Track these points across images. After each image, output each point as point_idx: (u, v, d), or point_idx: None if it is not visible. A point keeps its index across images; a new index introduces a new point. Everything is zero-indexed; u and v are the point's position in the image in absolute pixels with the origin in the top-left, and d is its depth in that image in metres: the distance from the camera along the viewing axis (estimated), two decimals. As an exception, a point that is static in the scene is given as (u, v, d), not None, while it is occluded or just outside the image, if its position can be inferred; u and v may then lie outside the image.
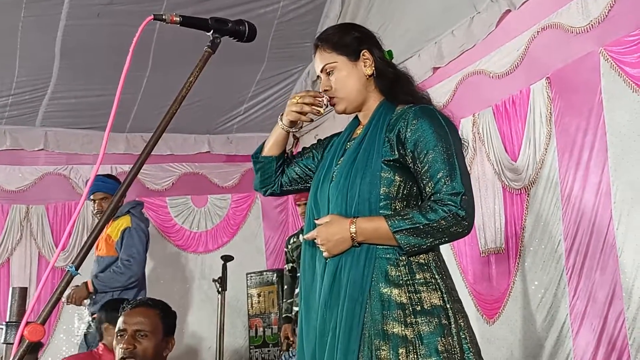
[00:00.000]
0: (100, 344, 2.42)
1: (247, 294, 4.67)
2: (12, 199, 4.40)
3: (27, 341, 0.94)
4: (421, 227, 1.32)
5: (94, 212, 3.47)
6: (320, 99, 1.49)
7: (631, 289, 2.19)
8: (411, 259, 1.36)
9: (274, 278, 4.56)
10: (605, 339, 2.27)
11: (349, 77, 1.49)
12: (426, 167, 1.37)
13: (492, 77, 3.00)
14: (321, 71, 1.52)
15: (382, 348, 1.30)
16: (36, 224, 4.36)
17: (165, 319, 2.05)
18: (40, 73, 4.00)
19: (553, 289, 2.57)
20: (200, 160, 4.94)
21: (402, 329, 1.30)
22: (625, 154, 2.28)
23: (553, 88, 2.65)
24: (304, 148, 1.67)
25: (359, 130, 1.53)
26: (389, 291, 1.33)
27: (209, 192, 4.93)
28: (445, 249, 3.35)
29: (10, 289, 0.97)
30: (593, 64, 2.41)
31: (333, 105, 1.51)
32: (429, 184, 1.36)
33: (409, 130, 1.40)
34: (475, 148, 3.09)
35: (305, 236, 1.45)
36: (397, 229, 1.33)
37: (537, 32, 2.73)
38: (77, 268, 0.99)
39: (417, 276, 1.35)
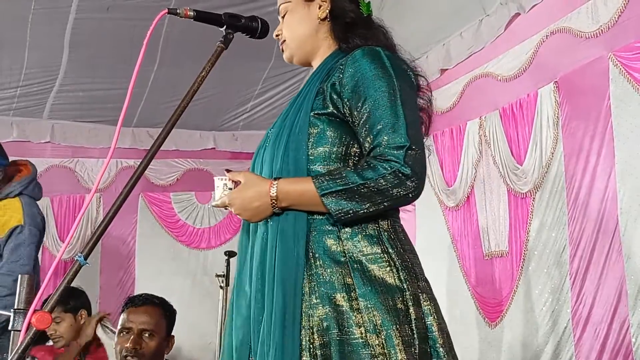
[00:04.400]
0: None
1: (249, 291, 4.67)
2: (17, 191, 4.41)
3: (34, 329, 0.94)
4: (355, 188, 1.07)
5: None
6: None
7: (637, 295, 2.18)
8: (357, 229, 1.12)
9: (276, 276, 4.55)
10: (610, 345, 2.27)
11: (299, 21, 1.28)
12: (364, 117, 1.12)
13: (500, 80, 3.00)
14: (279, 14, 1.33)
15: (326, 342, 1.06)
16: (41, 216, 4.38)
17: (168, 318, 2.04)
18: (48, 65, 4.01)
19: (556, 293, 2.57)
20: (205, 157, 4.94)
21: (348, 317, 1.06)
22: (632, 160, 2.28)
23: (561, 92, 2.64)
24: None
25: None
26: (331, 271, 1.09)
27: (213, 188, 4.93)
28: (447, 251, 3.37)
29: (19, 276, 0.97)
30: (602, 69, 2.41)
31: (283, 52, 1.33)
32: (368, 138, 1.12)
33: (345, 76, 1.16)
34: (482, 151, 3.09)
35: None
36: (326, 191, 1.08)
37: (546, 36, 2.73)
38: (85, 258, 1.00)
39: (365, 251, 1.10)
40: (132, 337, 1.92)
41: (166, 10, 1.17)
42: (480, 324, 2.98)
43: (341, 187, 1.08)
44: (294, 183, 1.12)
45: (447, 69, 3.39)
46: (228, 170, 1.22)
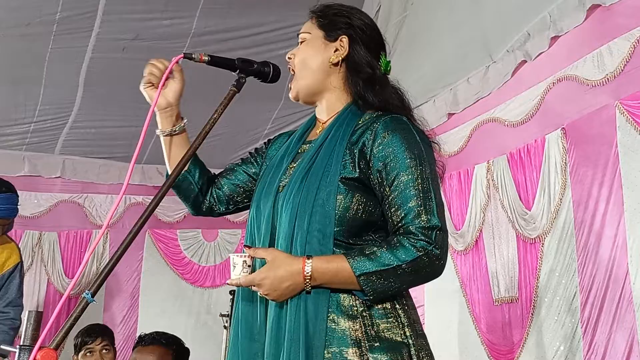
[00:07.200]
0: None
1: (252, 332, 4.60)
2: (25, 225, 4.42)
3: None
4: (390, 269, 1.11)
5: None
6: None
7: (648, 346, 2.14)
8: None
9: (280, 317, 4.49)
10: (622, 397, 2.21)
11: (313, 54, 1.28)
12: (395, 193, 1.15)
13: (507, 125, 3.02)
14: (298, 38, 1.34)
15: None
16: (47, 251, 4.38)
17: (177, 358, 2.04)
18: (62, 102, 4.10)
19: (568, 342, 2.51)
20: (212, 195, 4.97)
21: None
22: (641, 208, 2.27)
23: (568, 139, 2.66)
24: (249, 153, 1.44)
25: (318, 131, 1.29)
26: (343, 325, 1.12)
27: (220, 226, 4.94)
28: (458, 296, 3.32)
29: (26, 312, 0.97)
30: (609, 117, 2.43)
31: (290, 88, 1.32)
32: (397, 214, 1.15)
33: (376, 145, 1.17)
34: (489, 195, 3.08)
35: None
36: (363, 272, 1.11)
37: (553, 83, 2.76)
38: (93, 295, 1.00)
39: (375, 306, 1.14)
40: None
41: (182, 55, 1.21)
42: (489, 371, 2.91)
43: (377, 268, 1.11)
44: (328, 262, 1.13)
45: (454, 113, 3.43)
46: (247, 247, 1.21)
